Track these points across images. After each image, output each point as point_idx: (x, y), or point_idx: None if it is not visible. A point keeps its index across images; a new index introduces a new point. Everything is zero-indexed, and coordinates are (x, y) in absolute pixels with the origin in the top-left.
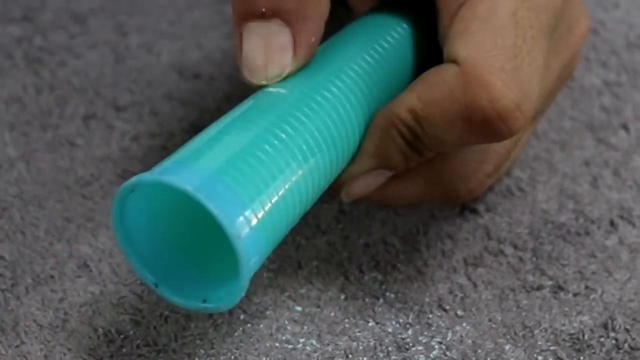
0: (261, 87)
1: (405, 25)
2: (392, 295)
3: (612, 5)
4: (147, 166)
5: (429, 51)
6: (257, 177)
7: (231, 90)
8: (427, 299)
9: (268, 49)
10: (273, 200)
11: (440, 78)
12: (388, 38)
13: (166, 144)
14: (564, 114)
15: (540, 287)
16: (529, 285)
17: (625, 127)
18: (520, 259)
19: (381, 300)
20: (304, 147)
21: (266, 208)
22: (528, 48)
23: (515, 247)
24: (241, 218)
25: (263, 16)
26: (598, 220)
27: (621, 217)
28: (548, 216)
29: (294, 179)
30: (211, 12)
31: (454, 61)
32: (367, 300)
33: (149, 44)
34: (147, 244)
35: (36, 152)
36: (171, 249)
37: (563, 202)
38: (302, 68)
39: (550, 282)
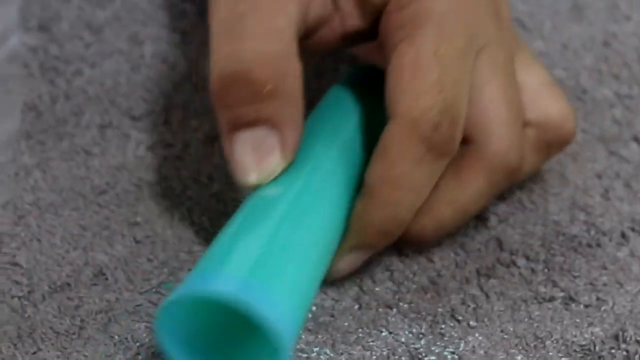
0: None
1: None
2: (406, 306)
3: (624, 18)
4: (162, 175)
5: None
6: (281, 275)
7: None
8: (440, 310)
9: (258, 153)
10: (297, 292)
11: (390, 139)
12: (361, 111)
13: (181, 154)
14: (576, 127)
15: (552, 299)
16: (541, 297)
17: (636, 140)
18: (532, 271)
19: (394, 310)
20: (307, 240)
21: (293, 300)
22: (452, 77)
23: (527, 258)
24: (277, 316)
25: (250, 124)
26: (609, 232)
27: (632, 229)
28: (560, 228)
29: (306, 268)
30: None
31: (392, 116)
32: (380, 310)
33: (164, 54)
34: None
35: (52, 161)
36: (211, 337)
37: (575, 213)
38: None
39: (561, 294)
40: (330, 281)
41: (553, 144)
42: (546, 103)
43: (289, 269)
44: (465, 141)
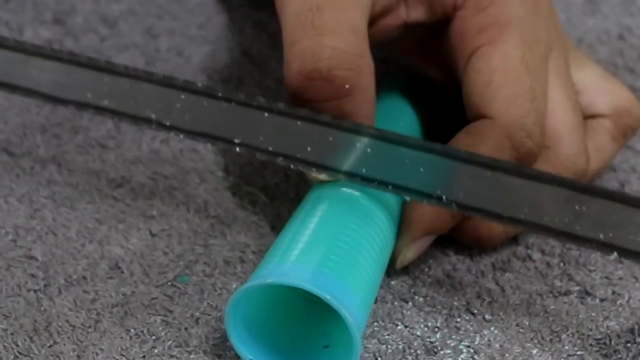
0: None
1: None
2: (421, 299)
3: (638, 12)
4: (178, 168)
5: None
6: (349, 265)
7: (260, 94)
8: (455, 303)
9: None
10: (364, 281)
11: (483, 136)
12: (410, 115)
13: (196, 147)
14: None
15: (567, 292)
16: (557, 290)
17: None
18: (548, 264)
19: (410, 303)
20: (374, 234)
21: (362, 289)
22: (539, 86)
23: (542, 252)
24: (349, 303)
25: None
26: None
27: None
28: None
29: (370, 260)
30: (240, 16)
31: (486, 115)
32: (396, 303)
33: (179, 48)
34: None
35: (67, 154)
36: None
37: None
38: None
39: (577, 287)
40: (398, 270)
41: (628, 128)
42: (610, 93)
43: (362, 263)
44: None
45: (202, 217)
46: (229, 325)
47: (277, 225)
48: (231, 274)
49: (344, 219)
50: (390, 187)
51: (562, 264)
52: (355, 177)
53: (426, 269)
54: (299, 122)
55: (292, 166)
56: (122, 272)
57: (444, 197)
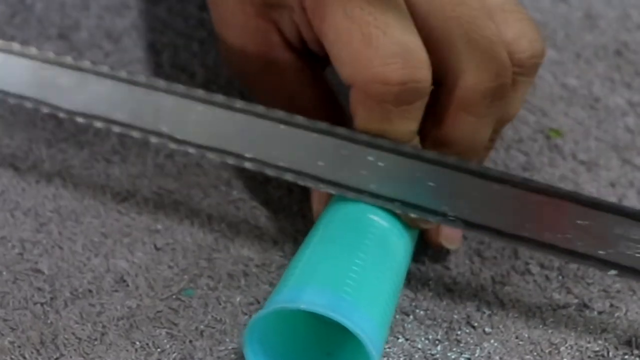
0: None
1: None
2: (422, 312)
3: (635, 27)
4: (182, 183)
5: None
6: (364, 287)
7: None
8: (455, 316)
9: None
10: (381, 302)
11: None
12: None
13: (200, 162)
14: (589, 135)
15: (566, 305)
16: (555, 304)
17: None
18: (547, 278)
19: (411, 316)
20: (388, 256)
21: (380, 313)
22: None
23: (541, 266)
24: (365, 324)
25: None
26: None
27: None
28: None
29: (386, 282)
30: None
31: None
32: (397, 316)
33: (182, 63)
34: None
35: (73, 169)
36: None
37: None
38: None
39: (575, 301)
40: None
41: (524, 64)
42: (511, 24)
43: (380, 287)
44: (438, 81)
45: (206, 232)
46: (247, 347)
47: (280, 239)
48: (235, 288)
49: (359, 240)
50: (397, 203)
51: (560, 278)
52: (363, 194)
53: (427, 283)
54: (314, 135)
55: (299, 182)
56: (128, 286)
57: (449, 214)
